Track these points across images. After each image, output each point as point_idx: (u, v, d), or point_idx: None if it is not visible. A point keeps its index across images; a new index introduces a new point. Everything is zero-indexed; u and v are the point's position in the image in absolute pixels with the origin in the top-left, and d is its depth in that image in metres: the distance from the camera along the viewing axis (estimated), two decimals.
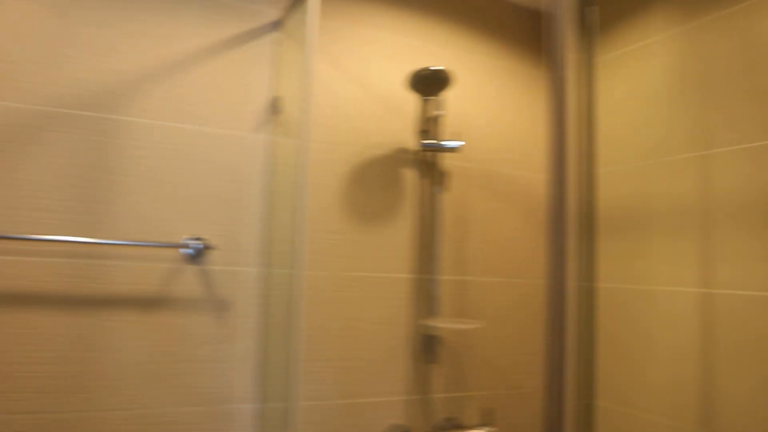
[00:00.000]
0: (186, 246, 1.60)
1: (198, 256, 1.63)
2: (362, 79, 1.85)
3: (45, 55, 1.56)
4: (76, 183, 1.55)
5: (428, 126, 1.87)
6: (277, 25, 1.77)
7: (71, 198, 1.55)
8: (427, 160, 1.90)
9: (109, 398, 1.56)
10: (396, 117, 1.89)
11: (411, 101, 1.92)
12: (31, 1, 1.56)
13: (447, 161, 1.94)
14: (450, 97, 1.96)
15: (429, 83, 1.80)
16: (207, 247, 1.62)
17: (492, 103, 2.09)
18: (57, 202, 1.54)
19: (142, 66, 1.62)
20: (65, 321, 1.54)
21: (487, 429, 1.88)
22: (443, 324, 1.78)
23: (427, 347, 1.84)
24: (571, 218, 0.91)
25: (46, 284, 1.53)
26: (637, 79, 1.91)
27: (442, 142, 1.81)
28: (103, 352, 1.56)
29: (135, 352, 1.58)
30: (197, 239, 1.62)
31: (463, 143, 1.95)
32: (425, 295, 1.87)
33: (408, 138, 1.90)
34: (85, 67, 1.58)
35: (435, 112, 1.86)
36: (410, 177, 1.90)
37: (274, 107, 1.72)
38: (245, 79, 1.72)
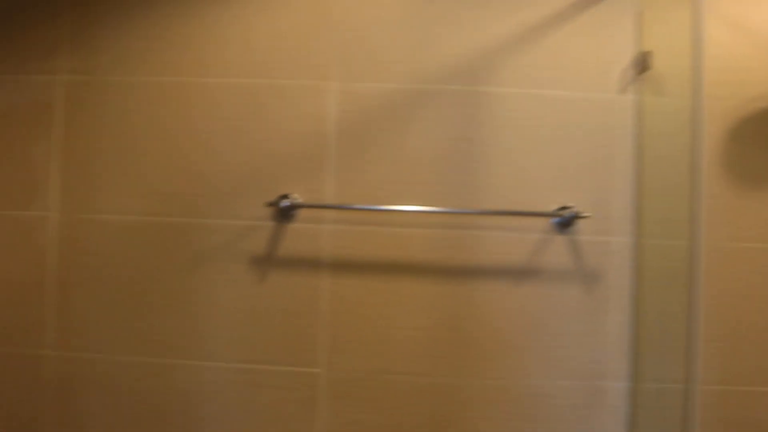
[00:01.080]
0: (556, 215, 1.53)
1: (567, 225, 1.56)
2: (740, 22, 1.61)
3: (411, 36, 1.60)
4: (446, 155, 1.58)
5: None
6: None
7: (443, 170, 1.58)
8: None
9: (483, 366, 1.57)
10: None
11: None
12: None
13: None
14: None
15: None
16: (577, 216, 1.53)
17: None
18: (430, 174, 1.58)
19: (502, 35, 1.59)
20: (441, 289, 1.58)
21: None
22: None
23: None
24: None
25: (424, 254, 1.58)
26: None
27: None
28: (475, 320, 1.57)
29: (505, 321, 1.57)
30: (566, 208, 1.55)
31: None
32: None
33: None
34: (449, 42, 1.59)
35: None
36: None
37: (642, 64, 1.57)
38: (606, 37, 1.60)
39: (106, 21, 1.65)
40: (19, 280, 1.66)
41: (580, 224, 1.56)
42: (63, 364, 1.65)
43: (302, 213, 1.59)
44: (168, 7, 1.64)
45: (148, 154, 1.63)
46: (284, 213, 1.58)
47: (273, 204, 1.56)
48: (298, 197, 1.58)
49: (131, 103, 1.64)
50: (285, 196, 1.58)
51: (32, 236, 1.66)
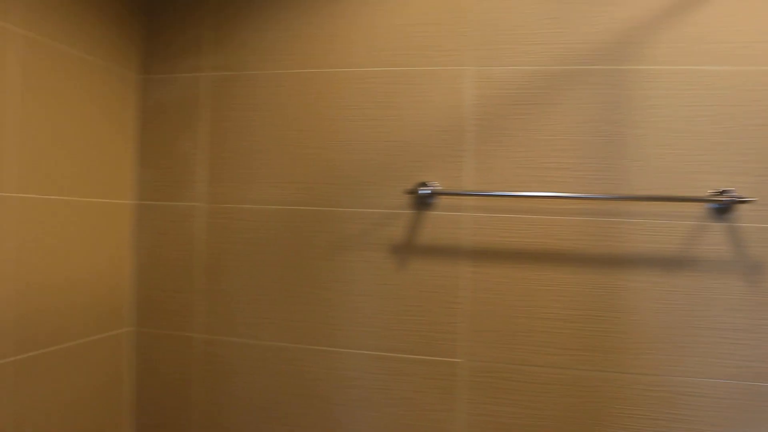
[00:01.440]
0: (713, 200, 1.43)
1: (726, 211, 1.45)
2: None
3: (551, 14, 1.55)
4: (590, 139, 1.51)
5: None
6: None
7: (587, 154, 1.51)
8: None
9: (630, 361, 1.49)
10: None
11: None
12: None
13: None
14: None
15: None
16: (738, 201, 1.42)
17: None
18: (573, 159, 1.52)
19: (654, 9, 1.50)
20: (585, 279, 1.52)
21: None
22: None
23: None
24: None
25: (567, 242, 1.53)
26: None
27: None
28: (623, 312, 1.50)
29: (655, 314, 1.48)
30: (725, 192, 1.44)
31: None
32: None
33: None
34: (593, 19, 1.53)
35: None
36: None
37: None
38: None
39: (240, 18, 1.73)
40: (171, 267, 1.76)
41: (742, 210, 1.45)
42: (209, 347, 1.73)
43: (441, 200, 1.58)
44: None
45: (287, 145, 1.68)
46: (423, 201, 1.58)
47: (411, 192, 1.57)
48: (437, 184, 1.58)
49: (270, 95, 1.71)
50: (423, 184, 1.58)
51: (182, 225, 1.76)
